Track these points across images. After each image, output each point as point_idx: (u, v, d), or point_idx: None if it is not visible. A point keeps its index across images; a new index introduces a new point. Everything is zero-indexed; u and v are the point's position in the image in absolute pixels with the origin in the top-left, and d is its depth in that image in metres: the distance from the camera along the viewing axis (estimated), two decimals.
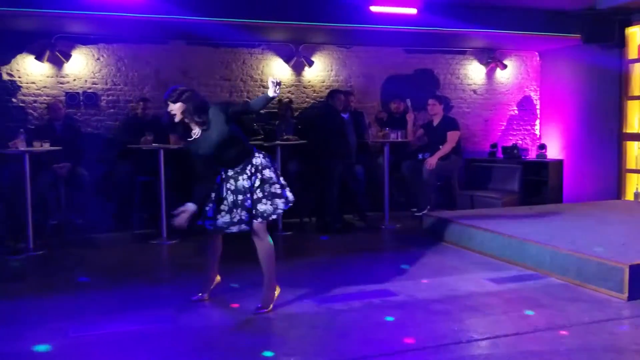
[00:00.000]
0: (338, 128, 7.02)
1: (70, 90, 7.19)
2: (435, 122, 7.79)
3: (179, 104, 3.93)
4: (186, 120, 3.98)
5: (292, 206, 6.81)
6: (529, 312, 4.01)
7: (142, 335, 3.72)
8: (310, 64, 8.11)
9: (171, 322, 3.94)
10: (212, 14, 6.46)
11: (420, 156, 7.72)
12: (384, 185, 7.27)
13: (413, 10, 7.09)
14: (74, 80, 7.22)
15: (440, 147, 7.56)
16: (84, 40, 7.22)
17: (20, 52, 6.99)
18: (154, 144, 6.53)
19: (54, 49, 6.99)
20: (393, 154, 7.39)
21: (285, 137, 6.95)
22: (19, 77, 7.01)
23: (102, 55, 7.32)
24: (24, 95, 7.03)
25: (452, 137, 7.61)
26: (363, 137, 7.64)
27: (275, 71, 8.02)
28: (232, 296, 4.49)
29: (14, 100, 6.99)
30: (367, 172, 7.67)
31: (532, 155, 9.15)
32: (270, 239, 4.13)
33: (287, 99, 7.96)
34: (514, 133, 9.41)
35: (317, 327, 3.84)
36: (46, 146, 6.17)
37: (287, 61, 8.05)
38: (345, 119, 7.25)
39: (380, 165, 7.43)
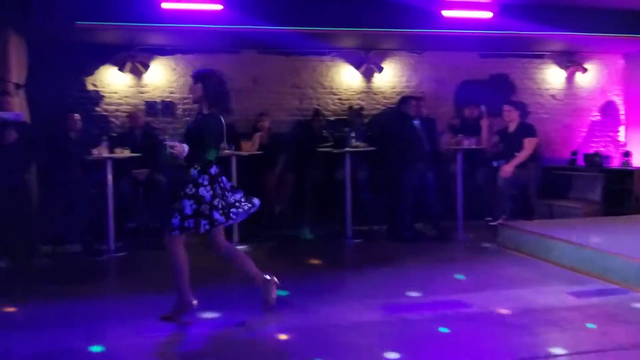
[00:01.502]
0: (410, 135, 6.89)
1: (149, 100, 7.48)
2: (511, 128, 7.51)
3: (199, 85, 3.96)
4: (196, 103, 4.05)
5: (362, 213, 6.79)
6: (612, 329, 3.76)
7: (216, 338, 3.77)
8: (381, 70, 8.05)
9: (246, 325, 3.97)
10: (284, 23, 6.54)
11: (495, 164, 7.44)
12: (457, 193, 7.08)
13: (488, 14, 6.89)
14: (153, 89, 7.49)
15: (517, 154, 7.27)
16: (162, 51, 7.48)
17: (104, 63, 7.33)
18: (226, 151, 6.65)
19: (134, 60, 7.29)
20: (467, 162, 7.19)
21: (354, 144, 6.91)
22: (103, 88, 7.36)
23: (179, 66, 7.56)
24: (106, 104, 7.36)
25: (529, 144, 7.30)
26: (435, 144, 7.47)
27: (345, 78, 8.00)
28: (302, 302, 4.48)
29: (97, 109, 7.34)
30: (439, 179, 7.49)
31: (616, 163, 8.65)
32: (179, 253, 4.05)
33: (357, 106, 7.92)
34: (596, 140, 8.94)
35: (387, 336, 3.75)
36: (127, 153, 6.43)
37: (357, 68, 8.03)
38: (417, 125, 7.12)
39: (453, 172, 7.25)
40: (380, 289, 4.86)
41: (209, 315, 4.21)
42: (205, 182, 3.91)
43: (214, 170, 3.98)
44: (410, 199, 6.89)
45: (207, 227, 3.91)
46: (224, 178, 4.09)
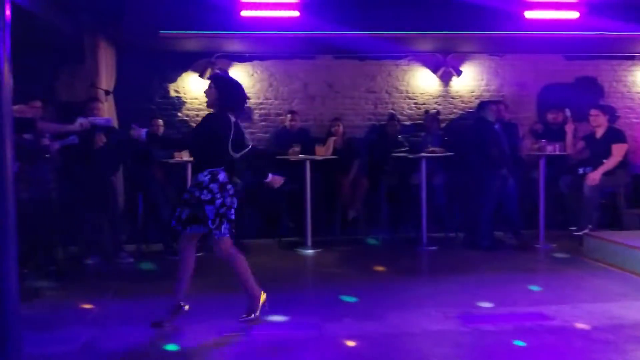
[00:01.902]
0: (491, 140, 6.66)
1: None
2: (599, 134, 7.10)
3: (213, 89, 3.99)
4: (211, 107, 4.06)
5: (437, 220, 6.65)
6: None
7: (287, 342, 3.79)
8: (459, 73, 7.86)
9: (317, 330, 3.97)
10: (360, 27, 6.51)
11: (581, 171, 7.06)
12: (539, 201, 6.78)
13: (574, 14, 6.57)
14: None
15: (604, 161, 6.86)
16: (240, 58, 7.66)
17: (185, 70, 7.60)
18: (300, 155, 6.72)
19: (214, 67, 7.50)
20: (550, 168, 6.86)
21: (430, 149, 6.77)
22: (184, 94, 7.62)
23: (256, 72, 7.72)
24: (187, 109, 7.62)
25: (618, 150, 6.87)
26: (516, 149, 7.18)
27: (422, 82, 7.88)
28: (373, 308, 4.42)
29: (179, 114, 7.61)
30: (520, 186, 7.20)
31: None
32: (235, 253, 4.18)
33: (434, 110, 7.77)
34: None
35: (462, 347, 3.63)
36: None
37: (434, 71, 7.88)
38: (497, 130, 6.87)
39: (535, 179, 6.94)
40: (456, 298, 4.71)
41: (278, 318, 4.23)
42: (215, 190, 3.93)
43: (222, 177, 3.97)
44: (491, 207, 6.66)
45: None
46: (230, 186, 4.06)
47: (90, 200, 6.14)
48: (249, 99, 4.16)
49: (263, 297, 4.17)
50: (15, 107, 4.99)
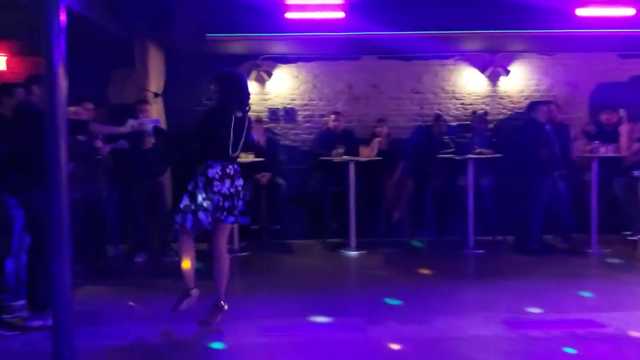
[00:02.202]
0: (541, 142, 6.48)
1: (272, 107, 7.73)
2: None
3: (216, 87, 4.06)
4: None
5: (485, 223, 6.53)
6: None
7: (331, 343, 3.79)
8: (508, 73, 7.69)
9: (362, 333, 3.94)
10: (405, 27, 6.45)
11: (636, 173, 6.78)
12: (591, 204, 6.56)
13: (630, 11, 6.33)
14: (275, 97, 7.74)
15: None
16: (285, 60, 7.71)
17: None
18: (344, 156, 6.70)
19: (259, 69, 7.58)
20: (603, 170, 6.63)
21: (478, 150, 6.64)
22: None
23: (301, 73, 7.75)
24: None
25: None
26: (567, 151, 6.97)
27: (469, 82, 7.74)
28: (418, 312, 4.36)
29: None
30: (572, 189, 6.98)
31: None
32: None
33: (482, 111, 7.62)
34: None
35: (509, 354, 3.55)
36: (250, 157, 6.70)
37: (482, 71, 7.73)
38: (548, 131, 6.68)
39: (587, 182, 6.72)
40: (503, 303, 4.60)
41: (321, 319, 4.23)
42: (200, 184, 3.99)
43: (211, 173, 3.97)
44: (541, 210, 6.48)
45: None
46: (225, 182, 4.00)
47: (139, 200, 6.30)
48: (249, 97, 4.18)
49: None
50: (71, 109, 5.19)
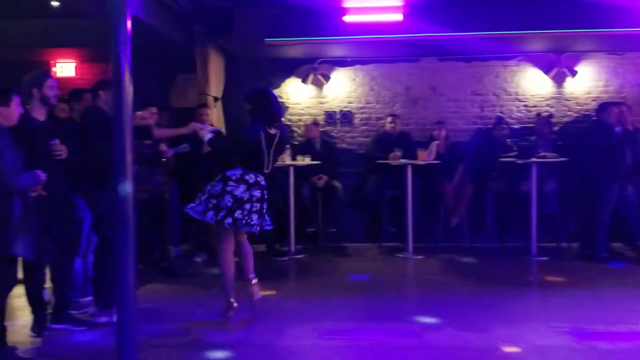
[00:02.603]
0: (611, 145, 6.19)
1: (329, 110, 7.74)
2: None
3: (246, 105, 4.45)
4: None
5: (549, 229, 6.32)
6: None
7: (387, 348, 3.75)
8: (574, 74, 7.40)
9: (418, 338, 3.89)
10: (466, 28, 6.33)
11: None
12: None
13: None
14: (332, 100, 7.75)
15: None
16: (342, 62, 7.71)
17: (289, 76, 7.77)
18: (402, 160, 6.63)
19: (317, 72, 7.61)
20: None
21: (542, 153, 6.43)
22: (287, 99, 7.80)
23: (358, 76, 7.73)
24: (290, 114, 7.78)
25: None
26: (638, 155, 6.63)
27: (532, 83, 7.51)
28: (478, 319, 4.26)
29: (282, 119, 7.77)
30: None
31: None
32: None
33: (546, 113, 7.37)
34: None
35: None
36: (307, 160, 6.75)
37: (546, 72, 7.47)
38: (618, 134, 6.38)
39: None
40: (568, 312, 4.43)
41: (377, 323, 4.18)
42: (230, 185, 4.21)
43: (234, 176, 4.22)
44: (608, 216, 6.20)
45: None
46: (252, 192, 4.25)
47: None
48: (280, 111, 4.59)
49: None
50: (138, 114, 5.40)
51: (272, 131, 4.34)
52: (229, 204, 4.17)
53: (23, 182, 3.45)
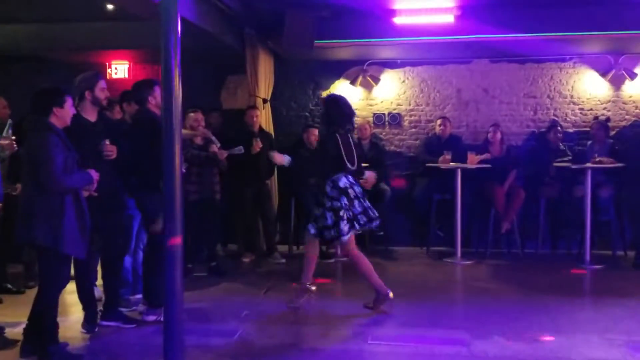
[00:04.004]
0: None
1: (377, 112, 7.68)
2: None
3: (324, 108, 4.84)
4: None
5: (603, 237, 6.10)
6: None
7: (435, 355, 3.69)
8: (633, 76, 7.09)
9: (465, 347, 3.81)
10: (521, 29, 6.15)
11: None
12: None
13: None
14: (381, 102, 7.68)
15: None
16: (392, 64, 7.63)
17: (338, 78, 7.74)
18: (451, 163, 6.51)
19: (366, 74, 7.55)
20: None
21: (597, 159, 6.19)
22: None
23: (407, 78, 7.63)
24: None
25: None
26: None
27: (589, 85, 7.24)
28: (527, 329, 4.13)
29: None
30: None
31: None
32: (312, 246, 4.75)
33: (603, 117, 7.09)
34: None
35: None
36: None
37: (603, 75, 7.19)
38: None
39: None
40: (623, 324, 4.25)
41: (425, 330, 4.12)
42: (334, 194, 4.50)
43: (342, 183, 4.50)
44: None
45: (334, 234, 4.46)
46: (356, 188, 4.59)
47: (248, 202, 6.50)
48: (351, 115, 4.79)
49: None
50: (191, 115, 5.50)
51: (342, 132, 4.64)
52: (360, 209, 4.53)
53: (76, 182, 3.55)
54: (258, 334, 4.08)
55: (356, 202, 4.50)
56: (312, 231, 4.57)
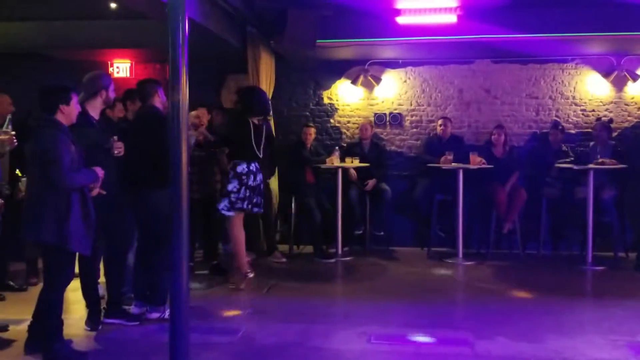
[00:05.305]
0: None
1: (378, 112, 7.67)
2: None
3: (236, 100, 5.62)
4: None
5: (605, 238, 6.09)
6: None
7: (438, 355, 3.70)
8: (635, 78, 7.09)
9: (468, 347, 3.81)
10: (523, 30, 6.15)
11: None
12: None
13: None
14: (382, 102, 7.68)
15: None
16: (393, 64, 7.62)
17: (339, 78, 7.74)
18: (453, 164, 6.51)
19: (367, 74, 7.55)
20: None
21: (600, 160, 6.20)
22: (337, 101, 7.78)
23: (409, 78, 7.63)
24: (339, 116, 7.76)
25: None
26: None
27: (591, 87, 7.25)
28: (531, 330, 4.13)
29: (331, 121, 7.78)
30: None
31: None
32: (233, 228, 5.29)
33: (606, 118, 7.10)
34: None
35: None
36: (355, 162, 6.71)
37: (605, 76, 7.19)
38: None
39: None
40: (626, 325, 4.26)
41: (426, 331, 4.12)
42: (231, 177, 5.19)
43: (240, 168, 5.17)
44: None
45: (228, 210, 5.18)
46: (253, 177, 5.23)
47: None
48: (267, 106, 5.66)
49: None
50: (192, 113, 5.51)
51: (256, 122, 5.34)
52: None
53: (82, 180, 3.54)
54: (261, 332, 4.08)
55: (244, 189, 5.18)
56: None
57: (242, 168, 5.19)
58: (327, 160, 6.76)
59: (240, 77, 7.24)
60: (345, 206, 6.71)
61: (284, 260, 6.51)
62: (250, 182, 5.21)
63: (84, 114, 3.81)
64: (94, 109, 4.02)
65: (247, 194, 5.19)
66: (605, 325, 4.24)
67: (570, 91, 7.31)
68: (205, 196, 5.75)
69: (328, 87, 7.74)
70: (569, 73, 7.32)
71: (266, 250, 6.63)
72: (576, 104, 7.31)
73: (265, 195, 6.59)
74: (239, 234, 5.29)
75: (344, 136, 7.70)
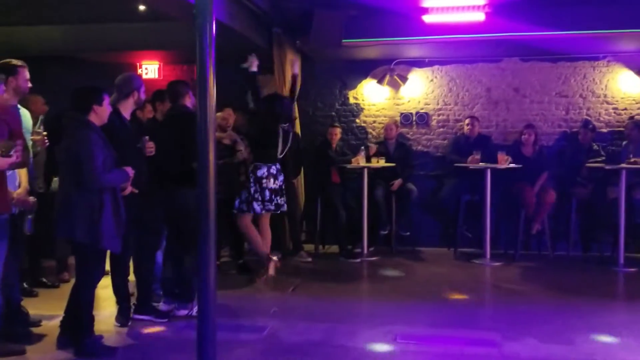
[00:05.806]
0: None
1: (405, 111, 7.63)
2: None
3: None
4: None
5: (636, 240, 5.95)
6: None
7: (465, 356, 3.66)
8: None
9: (496, 348, 3.76)
10: (553, 27, 6.05)
11: None
12: None
13: None
14: (408, 101, 7.64)
15: None
16: (420, 63, 7.57)
17: (365, 77, 7.72)
18: (480, 163, 6.44)
19: (393, 73, 7.52)
20: None
21: (632, 159, 6.06)
22: (363, 100, 7.76)
23: (436, 77, 7.58)
24: (365, 116, 7.74)
25: None
26: None
27: (623, 84, 7.09)
28: (562, 331, 4.06)
29: (357, 120, 7.76)
30: None
31: None
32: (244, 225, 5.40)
33: (639, 116, 6.94)
34: None
35: None
36: (381, 162, 6.69)
37: (638, 73, 7.03)
38: None
39: None
40: None
41: (454, 331, 4.08)
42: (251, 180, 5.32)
43: (260, 172, 5.28)
44: None
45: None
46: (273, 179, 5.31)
47: None
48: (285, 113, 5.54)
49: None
50: (218, 114, 5.55)
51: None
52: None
53: (114, 180, 3.61)
54: (287, 330, 4.09)
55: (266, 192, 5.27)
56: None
57: (262, 172, 5.27)
58: (353, 160, 6.75)
59: (267, 78, 7.27)
60: (371, 206, 6.69)
61: (309, 259, 6.52)
62: (271, 185, 5.30)
63: (116, 115, 3.88)
64: (126, 110, 4.09)
65: (267, 197, 5.29)
66: (638, 328, 4.14)
67: (602, 89, 7.17)
68: (230, 196, 5.79)
69: (354, 87, 7.73)
70: (600, 71, 7.18)
71: (292, 250, 6.65)
72: (608, 102, 7.16)
73: (290, 195, 6.64)
74: (248, 229, 5.39)
75: (370, 136, 7.68)
